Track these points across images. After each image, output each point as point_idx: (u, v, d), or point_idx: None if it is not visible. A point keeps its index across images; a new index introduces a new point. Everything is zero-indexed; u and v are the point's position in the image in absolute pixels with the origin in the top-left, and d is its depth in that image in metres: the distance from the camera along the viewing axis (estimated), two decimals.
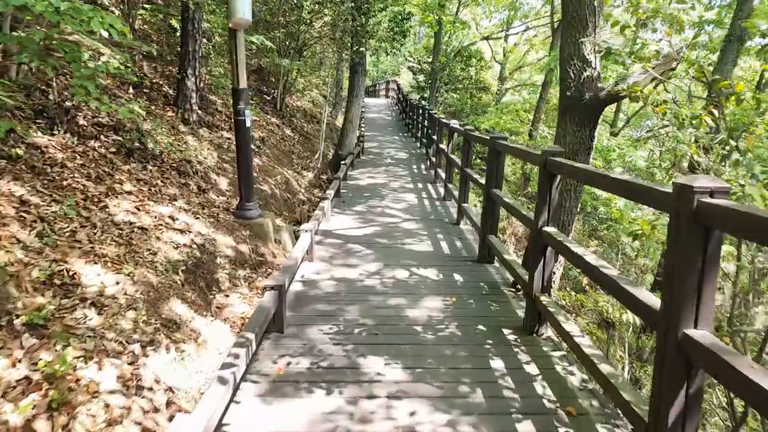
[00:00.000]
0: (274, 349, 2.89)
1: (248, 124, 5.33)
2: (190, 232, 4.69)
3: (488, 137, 4.44)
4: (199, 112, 8.10)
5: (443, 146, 8.46)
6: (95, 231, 3.63)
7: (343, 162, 8.63)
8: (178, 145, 6.37)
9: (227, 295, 4.38)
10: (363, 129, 15.89)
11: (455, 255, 4.87)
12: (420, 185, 8.79)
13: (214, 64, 9.59)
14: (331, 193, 6.43)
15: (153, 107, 7.17)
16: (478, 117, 16.03)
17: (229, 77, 9.50)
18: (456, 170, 7.44)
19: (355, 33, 9.10)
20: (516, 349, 2.95)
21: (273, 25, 10.97)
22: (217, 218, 5.33)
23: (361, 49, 9.03)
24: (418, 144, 14.66)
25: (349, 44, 9.44)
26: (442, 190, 8.18)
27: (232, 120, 6.58)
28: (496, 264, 4.53)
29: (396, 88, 24.09)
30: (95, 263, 3.28)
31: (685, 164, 3.88)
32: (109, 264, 3.39)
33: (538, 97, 12.21)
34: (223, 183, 6.45)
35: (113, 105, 4.49)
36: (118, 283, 3.27)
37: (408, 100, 18.01)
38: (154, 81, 8.16)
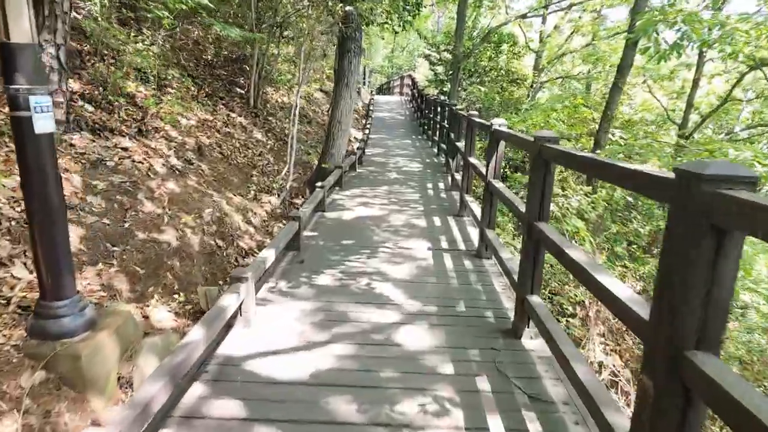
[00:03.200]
0: None
1: (46, 127, 2.31)
2: None
3: (670, 174, 1.35)
4: (88, 106, 5.16)
5: (475, 161, 5.32)
6: None
7: (319, 185, 5.58)
8: None
9: None
10: (368, 131, 12.84)
11: None
12: (438, 221, 5.67)
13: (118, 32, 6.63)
14: (269, 254, 3.37)
15: None
16: (510, 115, 12.79)
17: (146, 57, 6.28)
18: (501, 205, 4.38)
19: None
20: None
21: None
22: None
23: (349, 8, 5.93)
24: (436, 149, 11.57)
25: (334, 7, 6.32)
26: (473, 233, 5.08)
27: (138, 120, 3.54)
28: None
29: (410, 83, 21.26)
30: None
31: None
32: None
33: (612, 85, 8.75)
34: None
35: None
36: None
37: (424, 95, 14.89)
38: None
